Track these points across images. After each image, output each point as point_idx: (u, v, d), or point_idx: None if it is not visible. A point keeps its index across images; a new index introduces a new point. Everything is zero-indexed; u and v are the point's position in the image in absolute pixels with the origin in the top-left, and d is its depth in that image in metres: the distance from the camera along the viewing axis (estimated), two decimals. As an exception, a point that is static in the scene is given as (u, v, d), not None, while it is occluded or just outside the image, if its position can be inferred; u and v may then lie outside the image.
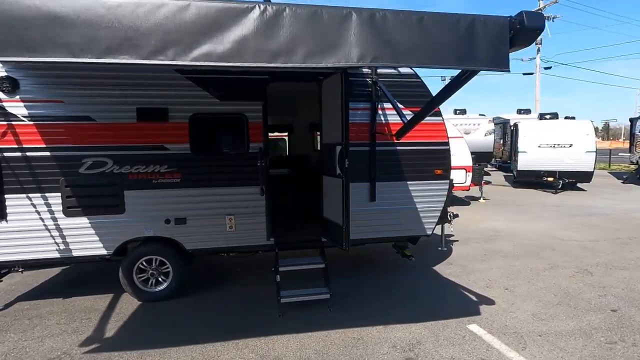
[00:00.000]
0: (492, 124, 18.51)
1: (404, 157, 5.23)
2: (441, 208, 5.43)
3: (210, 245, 4.88)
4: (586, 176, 13.54)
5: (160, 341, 3.88)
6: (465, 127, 18.18)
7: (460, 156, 10.64)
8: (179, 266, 4.88)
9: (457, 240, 7.55)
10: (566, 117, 15.07)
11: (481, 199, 12.09)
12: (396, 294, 5.00)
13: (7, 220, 4.39)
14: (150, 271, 4.83)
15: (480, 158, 17.85)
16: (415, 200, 5.32)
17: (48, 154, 4.43)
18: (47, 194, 4.45)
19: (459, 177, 10.76)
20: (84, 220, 4.55)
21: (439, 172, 5.36)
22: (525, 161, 13.92)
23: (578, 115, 16.62)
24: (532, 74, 24.48)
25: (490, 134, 18.11)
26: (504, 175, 18.53)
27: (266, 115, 4.88)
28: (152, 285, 4.86)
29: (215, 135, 4.79)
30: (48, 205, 4.48)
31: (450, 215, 6.87)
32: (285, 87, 5.87)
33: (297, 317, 4.35)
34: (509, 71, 2.63)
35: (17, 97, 4.32)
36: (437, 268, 5.97)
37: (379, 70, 5.07)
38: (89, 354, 3.69)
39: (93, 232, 4.59)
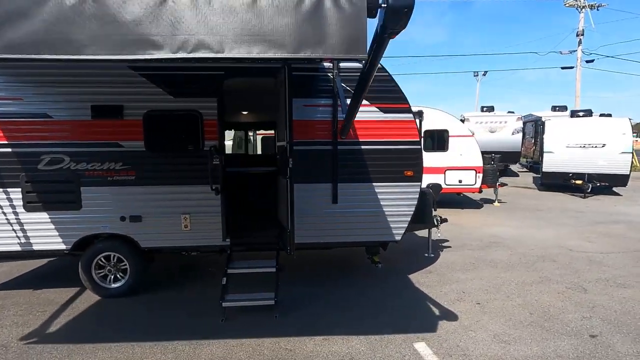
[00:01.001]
0: (521, 121, 17.25)
1: (370, 157, 4.90)
2: (411, 212, 5.03)
3: (166, 244, 4.83)
4: (621, 179, 12.27)
5: (95, 338, 3.87)
6: (490, 125, 17.12)
7: (469, 156, 10.00)
8: (136, 264, 4.87)
9: (450, 247, 7.04)
10: (601, 115, 13.75)
11: (495, 202, 11.29)
12: (356, 302, 4.69)
13: (-28, 213, 4.58)
14: (109, 267, 4.87)
15: (507, 158, 16.72)
16: (382, 203, 4.96)
17: (9, 150, 4.56)
18: (8, 189, 4.59)
19: (468, 179, 10.12)
20: (43, 215, 4.65)
21: (409, 173, 4.96)
22: (551, 162, 12.85)
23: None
24: (571, 67, 22.60)
25: (518, 132, 16.89)
26: (533, 177, 17.27)
27: (222, 112, 4.73)
28: (110, 282, 4.89)
29: (170, 132, 4.70)
30: (10, 200, 4.62)
31: (437, 220, 6.44)
32: (266, 82, 5.68)
33: (240, 322, 4.18)
34: (366, 58, 2.28)
35: (-19, 95, 4.48)
36: (413, 276, 5.56)
37: (342, 65, 4.77)
38: (23, 347, 3.74)
39: (52, 227, 4.68)
